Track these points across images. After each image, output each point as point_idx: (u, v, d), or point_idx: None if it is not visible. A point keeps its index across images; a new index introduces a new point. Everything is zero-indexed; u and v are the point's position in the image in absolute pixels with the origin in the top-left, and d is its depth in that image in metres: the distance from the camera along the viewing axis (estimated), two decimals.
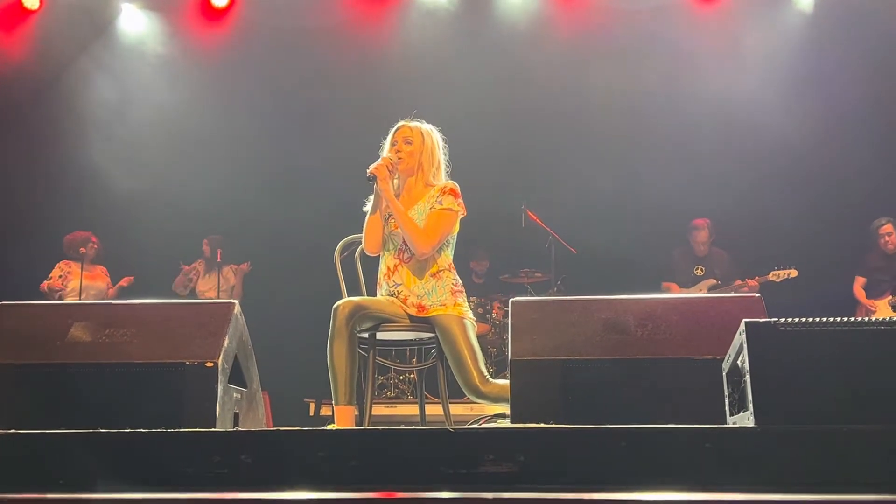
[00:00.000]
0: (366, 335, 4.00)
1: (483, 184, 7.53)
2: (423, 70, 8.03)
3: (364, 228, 4.13)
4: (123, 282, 7.53)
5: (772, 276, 7.20)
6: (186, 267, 7.88)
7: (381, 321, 3.96)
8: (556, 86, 7.99)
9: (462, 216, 4.11)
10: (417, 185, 4.14)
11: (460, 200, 4.08)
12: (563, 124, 8.03)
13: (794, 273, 7.17)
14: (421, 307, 4.02)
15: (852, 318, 2.25)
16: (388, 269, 4.11)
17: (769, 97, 7.63)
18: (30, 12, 8.16)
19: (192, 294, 7.81)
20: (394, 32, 8.37)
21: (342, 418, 3.74)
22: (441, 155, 4.20)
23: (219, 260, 7.64)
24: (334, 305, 3.86)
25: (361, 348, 3.97)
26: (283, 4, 8.13)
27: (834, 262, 7.48)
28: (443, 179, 4.20)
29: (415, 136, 4.11)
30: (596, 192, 7.74)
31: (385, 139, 4.18)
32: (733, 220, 7.68)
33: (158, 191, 7.99)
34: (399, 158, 4.07)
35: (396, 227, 4.08)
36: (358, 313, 3.83)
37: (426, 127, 4.18)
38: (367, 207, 4.19)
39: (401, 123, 4.17)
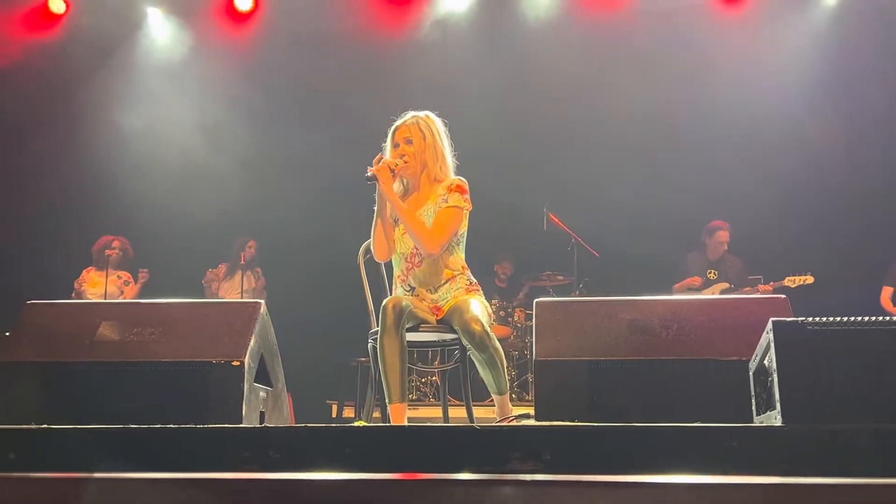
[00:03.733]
0: None
1: (505, 186, 7.56)
2: (444, 74, 8.04)
3: (372, 235, 4.07)
4: (142, 276, 7.49)
5: (787, 282, 7.07)
6: (209, 273, 7.88)
7: (420, 322, 3.92)
8: (577, 88, 7.97)
9: (468, 210, 4.03)
10: (426, 183, 4.06)
11: (467, 196, 4.01)
12: (585, 127, 8.01)
13: (809, 279, 7.04)
14: (437, 309, 4.00)
15: (880, 318, 2.24)
16: (403, 272, 4.06)
17: (794, 100, 7.59)
18: (57, 17, 8.25)
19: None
20: (415, 36, 8.39)
21: (397, 416, 3.67)
22: (443, 143, 4.08)
23: (242, 262, 7.67)
24: (383, 303, 3.79)
25: None
26: (306, 9, 8.16)
27: (859, 270, 7.41)
28: (450, 169, 4.10)
29: (414, 135, 4.00)
30: (618, 194, 7.72)
31: (385, 142, 4.10)
32: (754, 224, 7.64)
33: (184, 193, 8.05)
34: (405, 162, 3.98)
35: (403, 234, 4.02)
36: (407, 310, 3.76)
37: (423, 120, 4.06)
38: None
39: (398, 123, 4.06)
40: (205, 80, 8.36)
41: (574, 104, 7.97)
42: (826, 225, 7.59)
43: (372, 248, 4.10)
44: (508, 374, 7.48)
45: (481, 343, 3.70)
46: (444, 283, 4.02)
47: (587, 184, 7.86)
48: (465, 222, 4.07)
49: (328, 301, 7.46)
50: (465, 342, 3.78)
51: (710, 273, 7.51)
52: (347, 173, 7.65)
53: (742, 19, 8.10)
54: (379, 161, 3.96)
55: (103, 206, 8.08)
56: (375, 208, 4.07)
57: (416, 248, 4.01)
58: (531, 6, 8.30)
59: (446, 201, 3.99)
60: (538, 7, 8.28)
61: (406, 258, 4.05)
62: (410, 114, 4.10)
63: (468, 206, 4.02)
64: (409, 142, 4.01)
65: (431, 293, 4.01)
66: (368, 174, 3.90)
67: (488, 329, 3.73)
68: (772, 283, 7.17)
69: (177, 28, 8.50)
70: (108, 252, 7.35)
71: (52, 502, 1.70)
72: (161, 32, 8.49)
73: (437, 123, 4.10)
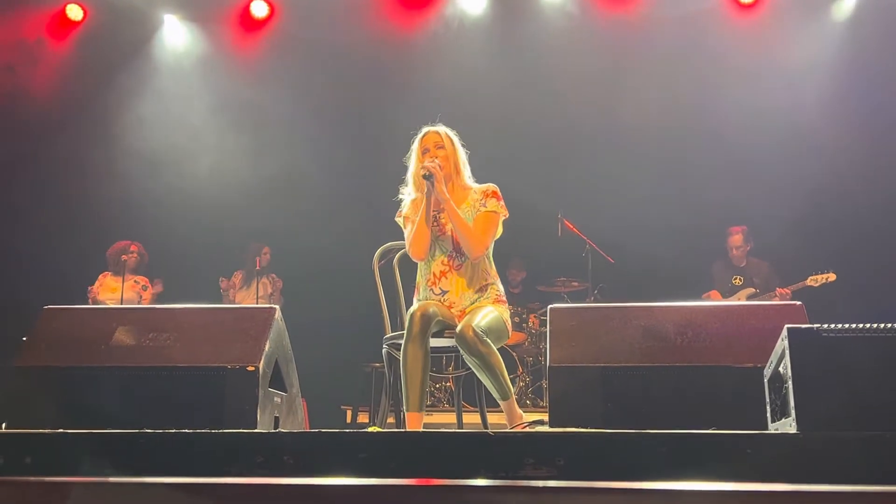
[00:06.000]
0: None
1: (519, 192, 7.54)
2: (458, 79, 8.04)
3: (411, 235, 4.04)
4: (157, 287, 7.55)
5: (809, 282, 7.01)
6: (224, 282, 7.92)
7: (445, 328, 3.93)
8: (592, 93, 7.96)
9: (504, 218, 4.09)
10: (456, 188, 4.11)
11: (503, 203, 4.08)
12: (600, 131, 8.00)
13: (832, 277, 6.98)
14: (464, 314, 3.99)
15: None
16: (434, 274, 4.06)
17: (809, 105, 7.55)
18: (74, 23, 8.31)
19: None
20: (429, 42, 8.40)
21: (414, 424, 3.69)
22: (463, 153, 4.19)
23: (258, 268, 7.69)
24: (410, 310, 3.81)
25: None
26: (321, 15, 8.18)
27: (881, 273, 7.35)
28: (471, 178, 4.19)
29: (445, 141, 4.10)
30: (633, 200, 7.70)
31: (412, 148, 4.17)
32: (774, 229, 7.59)
33: (198, 199, 8.09)
34: (441, 163, 4.03)
35: (443, 231, 4.05)
36: (434, 318, 3.79)
37: (447, 130, 4.17)
38: (399, 218, 4.18)
39: (427, 130, 4.15)
40: (220, 86, 8.40)
41: (589, 109, 7.96)
42: (847, 228, 7.54)
43: (411, 248, 4.07)
44: (523, 381, 7.51)
45: (472, 348, 3.70)
46: (480, 288, 4.04)
47: (602, 189, 7.84)
48: (500, 229, 4.11)
49: (343, 306, 7.47)
50: (459, 347, 3.79)
51: (735, 279, 7.46)
52: (362, 178, 7.75)
53: (758, 23, 8.07)
54: (431, 159, 4.03)
55: (120, 212, 8.12)
56: (407, 211, 4.12)
57: (454, 251, 4.04)
58: (546, 10, 8.29)
59: (485, 206, 4.05)
60: (552, 11, 8.27)
61: (444, 260, 4.06)
62: (430, 126, 4.19)
63: (505, 212, 4.08)
64: (440, 146, 4.10)
65: (463, 299, 4.02)
66: (425, 171, 3.94)
67: (481, 334, 3.72)
68: (791, 286, 7.11)
69: (193, 34, 8.54)
70: (124, 257, 7.37)
71: None
72: (177, 39, 8.54)
73: (455, 135, 4.20)
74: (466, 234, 3.95)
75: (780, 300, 7.03)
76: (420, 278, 4.16)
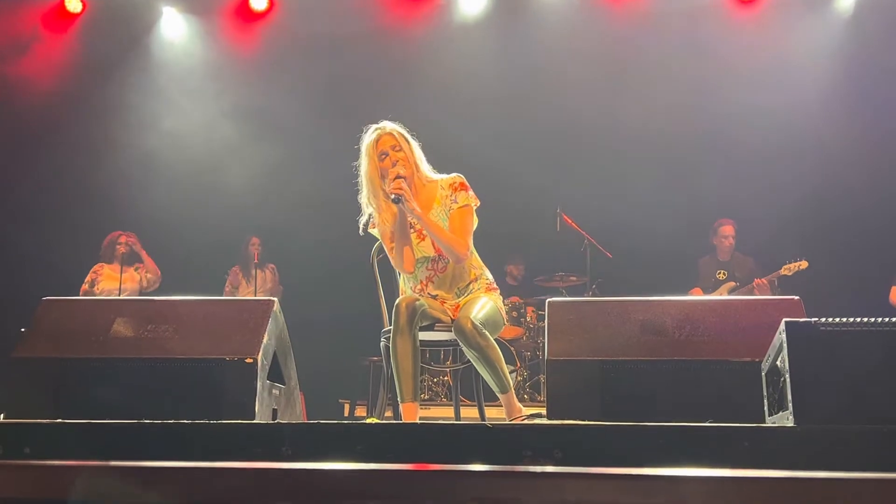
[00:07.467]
0: None
1: (518, 187, 7.56)
2: (458, 75, 8.04)
3: (396, 256, 4.02)
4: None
5: (784, 271, 7.06)
6: (232, 276, 7.93)
7: (435, 321, 3.92)
8: (592, 90, 7.95)
9: (476, 206, 4.03)
10: (420, 186, 4.03)
11: (472, 192, 4.01)
12: (599, 128, 7.99)
13: (804, 264, 7.02)
14: (458, 307, 3.98)
15: (893, 319, 2.23)
16: (421, 282, 4.04)
17: (809, 102, 7.55)
18: (73, 16, 8.30)
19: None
20: (429, 38, 8.38)
21: (409, 415, 3.68)
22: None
23: (255, 261, 7.69)
24: (396, 302, 3.79)
25: None
26: (320, 9, 8.18)
27: (875, 270, 7.36)
28: (430, 170, 4.10)
29: (400, 141, 3.98)
30: (631, 195, 7.70)
31: (362, 152, 4.05)
32: (773, 227, 7.60)
33: (197, 192, 8.08)
34: (403, 168, 3.93)
35: (420, 241, 4.01)
36: (420, 310, 3.76)
37: (398, 127, 4.05)
38: (373, 230, 4.12)
39: (377, 133, 4.03)
40: (218, 79, 8.39)
41: (588, 105, 7.95)
42: (842, 226, 7.55)
43: (400, 267, 4.06)
44: (520, 375, 7.52)
45: (471, 340, 3.70)
46: (470, 283, 4.03)
47: (600, 184, 7.84)
48: (476, 218, 4.07)
49: (341, 300, 7.46)
50: (457, 339, 3.79)
51: (719, 273, 7.49)
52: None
53: (757, 20, 8.07)
54: (394, 178, 3.89)
55: (118, 206, 8.11)
56: (375, 228, 4.08)
57: (436, 255, 4.00)
58: (546, 4, 8.28)
59: (455, 202, 3.99)
60: (551, 10, 8.26)
61: (427, 266, 4.04)
62: (374, 127, 4.08)
63: (476, 201, 4.03)
64: (397, 148, 3.99)
65: (457, 296, 4.02)
66: (393, 196, 3.84)
67: (479, 326, 3.71)
68: (767, 276, 7.14)
69: (192, 27, 8.53)
70: (118, 247, 7.38)
71: (61, 490, 1.71)
72: (176, 32, 8.53)
73: (405, 129, 4.10)
74: (447, 242, 3.90)
75: (759, 291, 7.10)
76: (404, 285, 4.15)
